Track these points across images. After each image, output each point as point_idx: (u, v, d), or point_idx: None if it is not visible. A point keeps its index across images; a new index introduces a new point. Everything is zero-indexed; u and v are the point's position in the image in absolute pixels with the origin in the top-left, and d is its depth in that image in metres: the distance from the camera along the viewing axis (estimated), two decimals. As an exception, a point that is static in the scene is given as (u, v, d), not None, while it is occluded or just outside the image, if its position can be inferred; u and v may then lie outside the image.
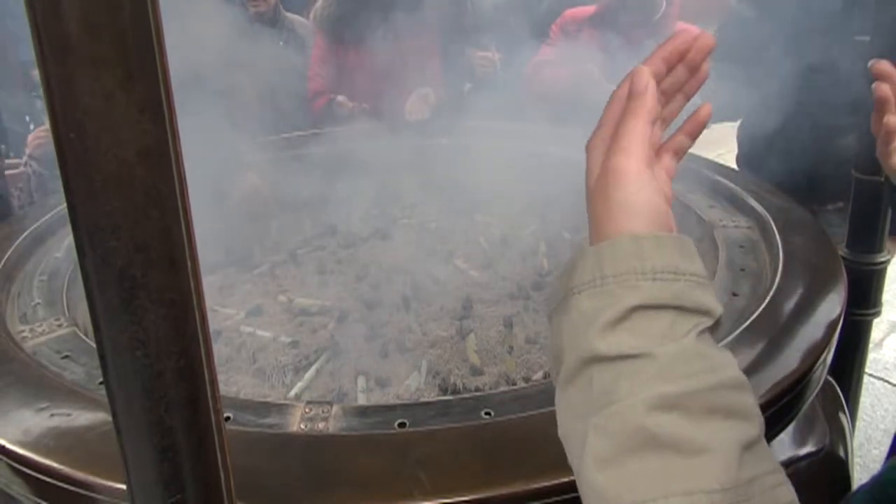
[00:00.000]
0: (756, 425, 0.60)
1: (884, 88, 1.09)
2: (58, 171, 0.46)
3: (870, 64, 1.10)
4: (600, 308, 0.63)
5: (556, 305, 0.68)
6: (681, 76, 0.72)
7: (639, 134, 0.67)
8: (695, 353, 0.61)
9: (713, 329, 0.65)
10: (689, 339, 0.61)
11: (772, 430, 1.15)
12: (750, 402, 0.61)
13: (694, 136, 0.74)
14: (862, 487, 0.99)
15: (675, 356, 0.60)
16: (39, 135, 2.48)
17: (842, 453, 1.47)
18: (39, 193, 2.43)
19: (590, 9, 2.83)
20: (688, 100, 0.74)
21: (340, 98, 2.79)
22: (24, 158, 2.44)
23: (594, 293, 0.64)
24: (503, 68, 2.92)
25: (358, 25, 2.85)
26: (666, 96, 0.73)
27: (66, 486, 0.97)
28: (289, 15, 3.11)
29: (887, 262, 1.85)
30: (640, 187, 0.66)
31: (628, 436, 0.59)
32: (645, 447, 0.58)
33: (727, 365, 0.63)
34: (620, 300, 0.62)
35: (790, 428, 1.22)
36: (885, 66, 1.10)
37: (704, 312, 0.64)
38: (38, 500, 1.02)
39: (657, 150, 0.73)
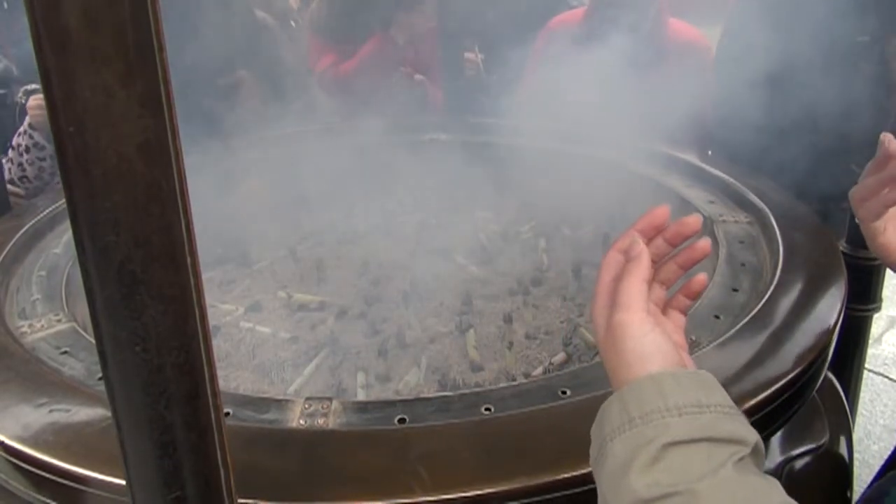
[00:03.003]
0: None
1: (895, 142, 1.04)
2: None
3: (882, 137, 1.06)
4: (634, 451, 0.64)
5: (595, 457, 0.70)
6: (661, 247, 0.80)
7: (636, 290, 0.74)
8: (736, 483, 0.62)
9: (754, 457, 0.66)
10: (727, 470, 0.62)
11: (773, 427, 1.15)
12: None
13: (692, 298, 0.82)
14: None
15: (717, 489, 0.61)
16: (41, 102, 2.20)
17: (842, 449, 1.47)
18: (35, 167, 2.33)
19: (577, 14, 2.77)
20: (684, 271, 0.81)
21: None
22: (23, 128, 2.31)
23: (625, 438, 0.66)
24: (486, 69, 2.94)
25: (352, 27, 2.85)
26: (652, 262, 0.80)
27: (65, 481, 0.97)
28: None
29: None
30: (645, 332, 0.72)
31: None
32: None
33: (772, 492, 0.63)
34: (652, 440, 0.64)
35: (791, 424, 1.22)
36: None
37: (738, 441, 0.64)
38: (38, 496, 1.01)
39: (663, 308, 0.82)
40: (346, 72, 2.89)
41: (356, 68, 2.86)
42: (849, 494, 1.46)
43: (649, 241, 0.80)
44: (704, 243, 0.79)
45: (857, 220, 1.10)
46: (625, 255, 0.79)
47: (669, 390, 0.66)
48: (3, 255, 1.58)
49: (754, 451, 0.66)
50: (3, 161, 2.33)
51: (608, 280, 0.79)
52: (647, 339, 0.72)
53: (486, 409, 1.08)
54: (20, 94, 2.40)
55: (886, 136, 1.06)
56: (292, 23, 3.26)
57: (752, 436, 0.66)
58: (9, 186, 2.30)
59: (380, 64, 2.83)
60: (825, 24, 1.86)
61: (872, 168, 1.08)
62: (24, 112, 2.36)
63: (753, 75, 1.98)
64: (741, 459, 0.63)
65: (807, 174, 1.94)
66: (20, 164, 2.32)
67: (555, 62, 2.51)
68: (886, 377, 3.30)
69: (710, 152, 2.16)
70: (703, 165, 1.97)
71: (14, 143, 2.33)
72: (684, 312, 0.83)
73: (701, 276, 0.81)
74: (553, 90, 2.31)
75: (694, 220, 0.79)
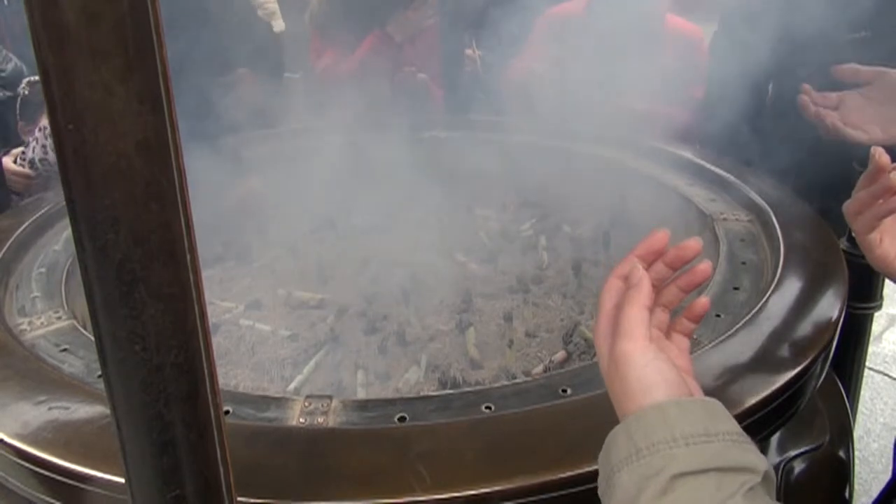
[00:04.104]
0: None
1: (885, 156, 1.05)
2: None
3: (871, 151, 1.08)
4: (641, 482, 0.64)
5: (603, 488, 0.70)
6: (662, 271, 0.79)
7: (637, 318, 0.74)
8: None
9: (764, 484, 0.65)
10: (737, 501, 0.61)
11: (773, 426, 1.15)
12: None
13: (695, 321, 0.82)
14: None
15: None
16: None
17: (843, 447, 1.47)
18: (46, 164, 2.36)
19: (575, 5, 2.78)
20: (686, 293, 0.81)
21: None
22: (41, 122, 2.35)
23: (632, 469, 0.65)
24: (485, 66, 2.94)
25: (352, 25, 2.85)
26: (654, 286, 0.79)
27: (64, 479, 0.96)
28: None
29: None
30: (647, 362, 0.71)
31: None
32: None
33: None
34: (660, 471, 0.63)
35: (791, 423, 1.22)
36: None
37: (748, 470, 0.64)
38: (36, 494, 1.01)
39: (666, 331, 0.81)
40: (345, 70, 2.89)
41: (354, 66, 2.86)
42: (848, 493, 1.46)
43: (649, 265, 0.79)
44: (705, 266, 0.79)
45: (852, 234, 1.11)
46: (625, 281, 0.79)
47: (675, 420, 0.66)
48: (2, 252, 1.57)
49: (765, 479, 0.65)
50: (30, 139, 2.35)
51: (610, 307, 0.79)
52: (651, 368, 0.71)
53: (487, 408, 1.08)
54: (23, 86, 2.43)
55: (877, 150, 1.07)
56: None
57: (762, 463, 0.65)
58: (20, 168, 2.33)
59: (377, 62, 2.83)
60: (824, 21, 1.86)
61: (864, 181, 1.09)
62: (24, 104, 2.38)
63: (749, 71, 1.97)
64: (751, 489, 0.63)
65: (807, 172, 1.93)
66: (43, 146, 2.34)
67: (553, 49, 2.52)
68: (887, 375, 3.30)
69: (698, 146, 2.16)
70: (704, 163, 1.96)
71: (42, 124, 2.35)
72: (688, 335, 0.82)
73: (703, 300, 0.81)
74: (551, 76, 2.32)
75: (694, 244, 0.78)
